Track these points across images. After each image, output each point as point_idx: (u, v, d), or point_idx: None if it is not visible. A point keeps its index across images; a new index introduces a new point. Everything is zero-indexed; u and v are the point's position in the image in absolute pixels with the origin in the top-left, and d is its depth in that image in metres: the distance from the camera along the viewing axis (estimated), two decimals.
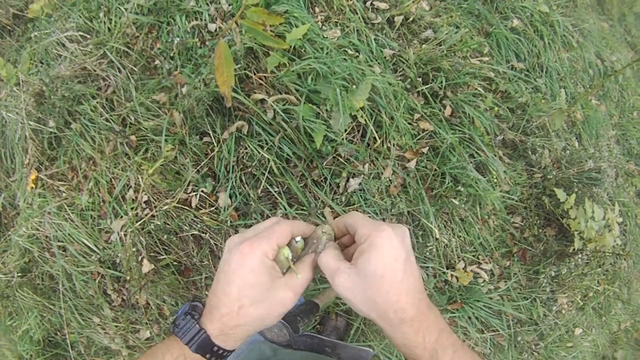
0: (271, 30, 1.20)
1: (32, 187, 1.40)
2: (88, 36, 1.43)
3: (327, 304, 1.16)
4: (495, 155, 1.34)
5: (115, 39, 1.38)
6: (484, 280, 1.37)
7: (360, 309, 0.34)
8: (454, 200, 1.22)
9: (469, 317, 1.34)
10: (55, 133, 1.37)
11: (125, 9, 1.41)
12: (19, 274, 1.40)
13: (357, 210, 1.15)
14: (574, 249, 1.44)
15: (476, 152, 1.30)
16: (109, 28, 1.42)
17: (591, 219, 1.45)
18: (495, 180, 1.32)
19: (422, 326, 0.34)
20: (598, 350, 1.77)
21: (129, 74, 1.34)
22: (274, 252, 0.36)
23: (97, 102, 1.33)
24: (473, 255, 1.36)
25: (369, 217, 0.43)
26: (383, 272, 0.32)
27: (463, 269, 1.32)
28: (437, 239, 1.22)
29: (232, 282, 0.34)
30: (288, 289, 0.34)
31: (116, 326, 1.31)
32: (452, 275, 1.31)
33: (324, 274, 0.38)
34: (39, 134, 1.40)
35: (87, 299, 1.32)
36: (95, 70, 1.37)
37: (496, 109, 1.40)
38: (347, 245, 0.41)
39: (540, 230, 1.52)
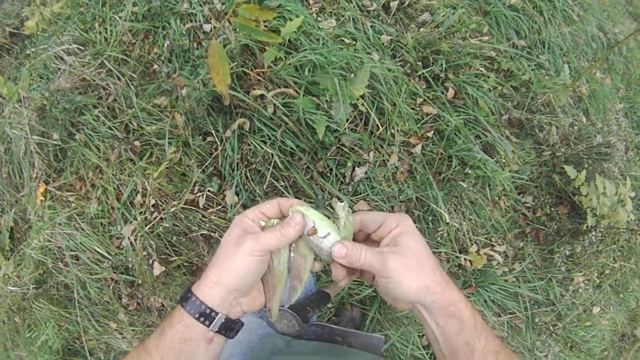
0: (265, 26, 1.19)
1: (41, 200, 1.42)
2: (85, 47, 1.44)
3: (339, 294, 1.16)
4: (502, 135, 1.32)
5: (112, 48, 1.38)
6: (498, 263, 1.35)
7: (414, 281, 0.37)
8: (462, 183, 1.21)
9: (485, 301, 1.33)
10: (60, 145, 1.38)
11: (120, 17, 1.41)
12: (34, 286, 1.42)
13: (364, 200, 1.14)
14: (587, 227, 1.41)
15: (482, 133, 1.28)
16: (105, 38, 1.43)
17: (603, 194, 1.42)
18: (503, 160, 1.30)
19: (457, 286, 0.39)
20: (617, 328, 1.74)
21: (129, 81, 1.34)
22: (256, 217, 0.40)
23: (99, 112, 1.34)
24: (485, 238, 1.34)
25: (377, 205, 0.48)
26: (422, 245, 0.39)
27: (476, 252, 1.31)
28: (447, 223, 1.20)
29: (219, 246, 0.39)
30: (252, 237, 0.37)
31: (133, 330, 1.32)
32: (465, 259, 1.29)
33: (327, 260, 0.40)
34: (44, 147, 1.42)
35: (103, 305, 1.33)
36: (94, 80, 1.38)
37: (500, 88, 1.38)
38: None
39: (553, 209, 1.49)
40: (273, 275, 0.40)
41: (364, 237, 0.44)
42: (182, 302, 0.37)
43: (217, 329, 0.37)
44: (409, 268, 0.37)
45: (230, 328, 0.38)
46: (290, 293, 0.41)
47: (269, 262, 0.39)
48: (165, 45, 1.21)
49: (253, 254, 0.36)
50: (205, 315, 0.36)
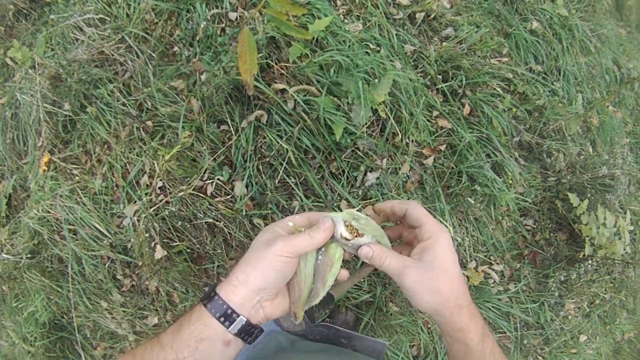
0: (294, 21, 1.19)
1: (44, 170, 1.39)
2: (107, 19, 1.42)
3: (341, 296, 1.16)
4: (511, 157, 1.34)
5: (134, 25, 1.37)
6: (494, 281, 1.36)
7: (424, 299, 0.38)
8: (469, 199, 1.22)
9: None
10: (70, 116, 1.36)
11: None
12: (28, 256, 1.40)
13: (372, 205, 1.14)
14: (584, 255, 1.43)
15: (493, 152, 1.30)
16: (127, 13, 1.41)
17: (603, 225, 1.44)
18: (510, 181, 1.32)
19: (473, 312, 0.39)
20: (601, 358, 1.77)
21: (147, 60, 1.33)
22: (286, 226, 0.41)
23: (114, 87, 1.33)
24: (485, 256, 1.35)
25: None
26: (447, 266, 0.38)
27: (474, 268, 1.32)
28: (451, 237, 1.21)
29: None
30: (283, 238, 0.37)
31: (124, 311, 1.30)
32: (463, 274, 1.30)
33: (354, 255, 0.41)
34: (53, 117, 1.40)
35: (96, 283, 1.31)
36: (113, 55, 1.37)
37: (514, 110, 1.40)
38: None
39: (552, 234, 1.51)
40: (299, 279, 0.40)
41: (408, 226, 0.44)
42: (205, 301, 0.36)
43: (236, 332, 0.36)
44: (422, 288, 0.37)
45: (249, 333, 0.37)
46: (312, 296, 0.41)
47: (296, 266, 0.40)
48: (202, 25, 1.20)
49: (282, 254, 0.36)
50: (226, 316, 0.35)
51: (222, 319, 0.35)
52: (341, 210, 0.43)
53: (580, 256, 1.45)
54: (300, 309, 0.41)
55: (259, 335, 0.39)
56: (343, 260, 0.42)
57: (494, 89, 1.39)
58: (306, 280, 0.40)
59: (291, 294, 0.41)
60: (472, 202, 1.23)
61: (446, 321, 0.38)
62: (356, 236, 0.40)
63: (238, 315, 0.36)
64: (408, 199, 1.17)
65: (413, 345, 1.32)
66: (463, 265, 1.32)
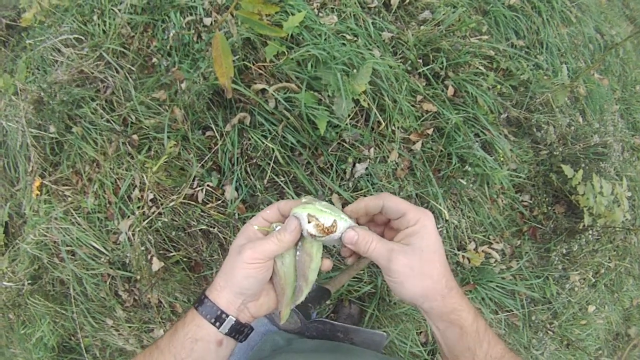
0: (267, 20, 1.18)
1: (37, 194, 1.40)
2: (83, 40, 1.42)
3: (338, 290, 1.16)
4: (500, 134, 1.33)
5: (111, 40, 1.37)
6: (496, 260, 1.36)
7: (415, 285, 0.37)
8: (461, 180, 1.21)
9: (483, 298, 1.33)
10: (56, 138, 1.36)
11: (119, 10, 1.40)
12: (30, 282, 1.40)
13: (364, 197, 1.14)
14: (584, 225, 1.43)
15: (481, 131, 1.29)
16: (103, 30, 1.41)
17: (600, 194, 1.43)
18: (502, 158, 1.31)
19: (462, 293, 0.39)
20: (611, 327, 1.76)
21: (127, 74, 1.33)
22: (260, 223, 0.41)
23: (96, 104, 1.33)
24: (483, 236, 1.35)
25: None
26: (435, 249, 0.38)
27: (474, 249, 1.31)
28: (446, 220, 1.21)
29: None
30: (251, 244, 0.38)
31: (129, 327, 1.31)
32: (463, 256, 1.30)
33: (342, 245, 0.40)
34: (40, 141, 1.40)
35: (99, 301, 1.32)
36: (92, 73, 1.37)
37: (499, 87, 1.39)
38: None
39: (550, 208, 1.50)
40: (279, 277, 0.40)
41: (384, 222, 0.43)
42: (197, 305, 0.39)
43: (226, 331, 0.38)
44: (412, 272, 0.36)
45: (239, 331, 0.39)
46: (296, 293, 0.41)
47: (274, 266, 0.40)
48: (172, 34, 1.19)
49: (252, 262, 0.37)
50: (216, 317, 0.37)
51: (212, 320, 0.37)
52: (332, 202, 0.42)
53: (580, 227, 1.44)
54: (285, 308, 0.41)
55: (250, 333, 0.41)
56: (338, 253, 0.41)
57: (477, 67, 1.38)
58: (287, 279, 0.40)
59: (277, 293, 0.42)
60: (465, 183, 1.22)
61: (437, 305, 0.37)
62: (327, 233, 0.38)
63: (227, 316, 0.38)
64: (399, 186, 1.16)
65: (420, 332, 1.32)
66: (462, 247, 1.32)
